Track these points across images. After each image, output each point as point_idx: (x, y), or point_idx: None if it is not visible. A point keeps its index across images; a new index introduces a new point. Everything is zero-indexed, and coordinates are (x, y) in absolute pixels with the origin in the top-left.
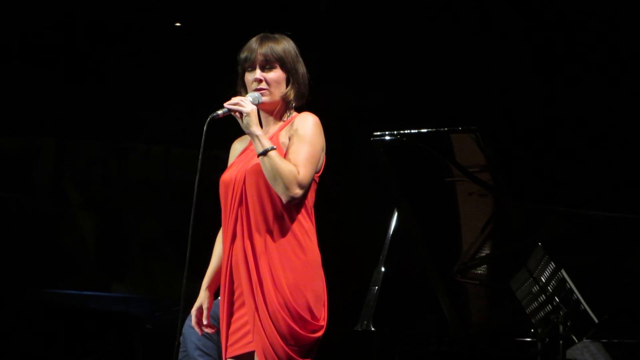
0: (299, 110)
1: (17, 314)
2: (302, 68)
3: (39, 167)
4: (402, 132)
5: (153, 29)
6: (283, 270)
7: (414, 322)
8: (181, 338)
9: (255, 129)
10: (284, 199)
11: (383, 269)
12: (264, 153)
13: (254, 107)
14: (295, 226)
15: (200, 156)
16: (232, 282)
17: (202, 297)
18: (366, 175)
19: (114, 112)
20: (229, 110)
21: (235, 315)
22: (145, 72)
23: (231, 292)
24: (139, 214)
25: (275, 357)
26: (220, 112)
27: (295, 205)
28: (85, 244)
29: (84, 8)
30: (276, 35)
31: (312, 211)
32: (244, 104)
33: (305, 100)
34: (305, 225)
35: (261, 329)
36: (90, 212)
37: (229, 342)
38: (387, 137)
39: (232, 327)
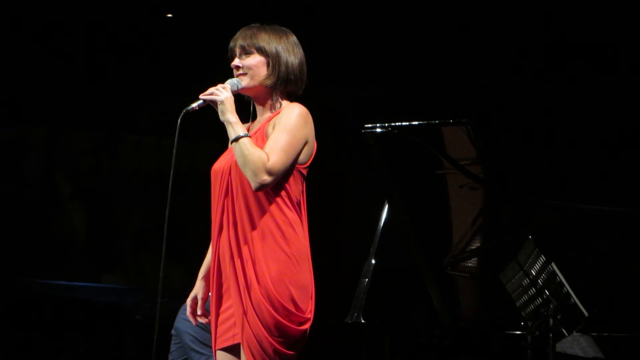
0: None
1: (6, 303)
2: (290, 55)
3: (30, 157)
4: (393, 124)
5: (144, 19)
6: (266, 261)
7: (404, 315)
8: (173, 331)
9: (230, 116)
10: (253, 186)
11: (373, 262)
12: (236, 139)
13: (229, 95)
14: (279, 218)
15: (174, 150)
16: (220, 274)
17: (197, 287)
18: (357, 168)
19: (106, 102)
20: (204, 101)
21: (223, 307)
22: (137, 62)
23: (219, 285)
24: (129, 205)
25: (260, 349)
26: (195, 104)
27: (278, 197)
28: (75, 235)
29: None
30: (265, 25)
31: (299, 203)
32: (219, 92)
33: (296, 89)
34: (289, 216)
35: (246, 321)
36: (80, 203)
37: (218, 334)
38: (378, 129)
39: (220, 318)
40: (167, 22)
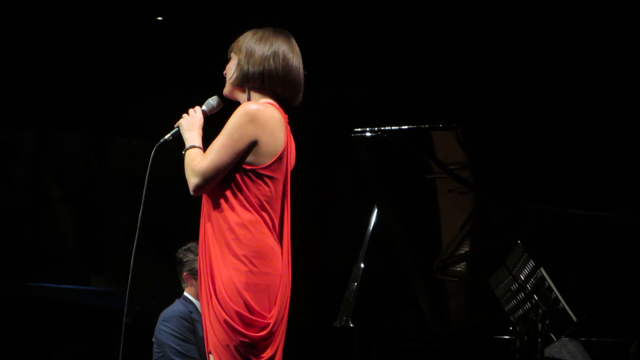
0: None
1: None
2: (254, 45)
3: (20, 160)
4: (382, 128)
5: (134, 21)
6: (218, 266)
7: (393, 319)
8: (154, 339)
9: (186, 133)
10: (190, 191)
11: (362, 266)
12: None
13: (189, 116)
14: (232, 220)
15: (145, 180)
16: None
17: None
18: (346, 172)
19: (95, 105)
20: (178, 129)
21: None
22: (126, 65)
23: None
24: (118, 207)
25: (226, 354)
26: (168, 135)
27: (234, 199)
28: (64, 238)
29: (64, 1)
30: (254, 28)
31: (265, 204)
32: (183, 116)
33: (262, 85)
34: (244, 217)
35: (210, 326)
36: (70, 206)
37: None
38: (368, 134)
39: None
40: (158, 24)
